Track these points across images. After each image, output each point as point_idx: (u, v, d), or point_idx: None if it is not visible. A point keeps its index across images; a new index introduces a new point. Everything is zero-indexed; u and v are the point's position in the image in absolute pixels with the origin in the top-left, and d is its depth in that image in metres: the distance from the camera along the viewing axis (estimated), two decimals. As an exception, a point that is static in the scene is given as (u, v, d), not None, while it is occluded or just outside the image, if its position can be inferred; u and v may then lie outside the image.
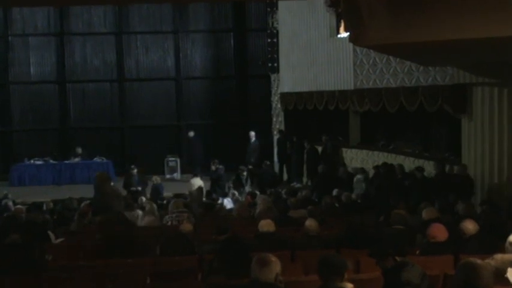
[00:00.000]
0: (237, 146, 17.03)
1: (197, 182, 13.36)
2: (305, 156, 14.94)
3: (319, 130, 15.43)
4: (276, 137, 16.85)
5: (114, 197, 8.32)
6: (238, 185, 14.24)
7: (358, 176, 12.15)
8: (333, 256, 4.06)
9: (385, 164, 11.85)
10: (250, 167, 15.13)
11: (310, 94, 14.92)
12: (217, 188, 13.86)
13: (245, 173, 14.47)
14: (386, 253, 4.44)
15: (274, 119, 17.39)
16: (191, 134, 16.87)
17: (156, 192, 13.27)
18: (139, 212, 9.47)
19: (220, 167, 14.31)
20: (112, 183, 8.86)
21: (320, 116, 15.43)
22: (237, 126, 18.24)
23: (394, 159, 12.40)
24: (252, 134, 16.17)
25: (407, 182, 10.70)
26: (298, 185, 14.18)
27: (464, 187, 9.71)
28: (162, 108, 18.29)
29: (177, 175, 17.02)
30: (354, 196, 10.31)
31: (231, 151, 17.00)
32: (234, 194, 11.91)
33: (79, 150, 16.90)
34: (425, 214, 6.88)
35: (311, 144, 14.72)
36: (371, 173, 12.28)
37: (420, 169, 10.71)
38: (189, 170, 15.97)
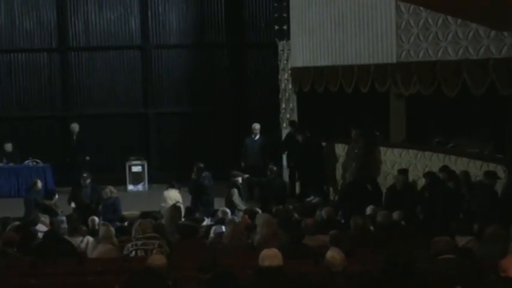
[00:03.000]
0: (229, 144, 17.00)
1: (173, 195, 13.36)
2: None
3: (348, 121, 15.44)
4: (285, 132, 16.86)
5: None
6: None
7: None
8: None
9: (445, 167, 11.84)
10: (245, 175, 15.10)
11: (334, 70, 14.94)
12: (199, 204, 13.84)
13: (240, 179, 14.36)
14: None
15: (283, 106, 17.42)
16: (75, 127, 16.81)
17: (112, 210, 13.26)
18: (90, 239, 9.50)
19: (205, 174, 14.28)
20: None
21: (348, 102, 15.44)
22: (229, 115, 18.30)
23: (454, 162, 12.41)
24: (257, 127, 16.20)
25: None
26: (316, 200, 14.18)
27: None
28: (124, 89, 18.34)
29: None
30: (395, 216, 10.32)
31: (220, 151, 16.97)
32: (225, 213, 11.90)
33: (8, 147, 16.90)
34: None
35: (329, 141, 14.58)
36: (421, 182, 12.30)
37: None
38: (161, 178, 15.98)
